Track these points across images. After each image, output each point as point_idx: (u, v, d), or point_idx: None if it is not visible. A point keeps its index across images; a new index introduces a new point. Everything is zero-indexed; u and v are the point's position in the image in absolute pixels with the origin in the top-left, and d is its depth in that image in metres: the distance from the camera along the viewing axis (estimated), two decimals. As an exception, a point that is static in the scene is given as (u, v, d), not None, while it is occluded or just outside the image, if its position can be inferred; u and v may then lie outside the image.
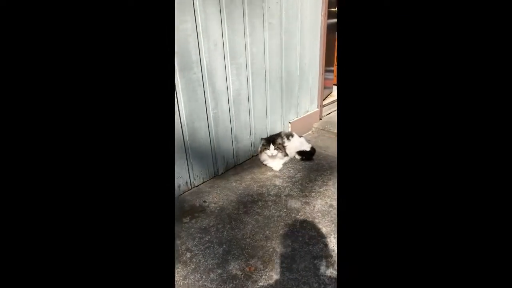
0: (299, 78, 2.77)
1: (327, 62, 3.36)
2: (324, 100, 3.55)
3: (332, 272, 1.37)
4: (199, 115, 1.97)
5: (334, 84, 4.63)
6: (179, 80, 1.78)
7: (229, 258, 1.48)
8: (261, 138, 2.36)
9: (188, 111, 1.88)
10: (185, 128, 1.90)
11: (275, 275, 1.37)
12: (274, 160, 2.33)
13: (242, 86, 2.21)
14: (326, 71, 3.29)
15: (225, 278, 1.36)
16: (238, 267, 1.42)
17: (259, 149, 2.38)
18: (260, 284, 1.33)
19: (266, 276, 1.36)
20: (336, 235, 1.60)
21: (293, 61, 2.64)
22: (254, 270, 1.40)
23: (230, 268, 1.42)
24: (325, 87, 3.55)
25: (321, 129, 3.03)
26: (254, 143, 2.50)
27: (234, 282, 1.34)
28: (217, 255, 1.50)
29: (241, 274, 1.38)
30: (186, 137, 1.93)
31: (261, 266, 1.42)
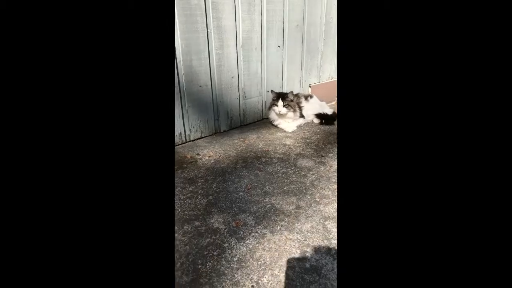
0: (324, 34, 2.38)
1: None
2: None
3: (348, 236, 0.98)
4: (199, 52, 1.65)
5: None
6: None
7: (213, 210, 1.13)
8: (271, 90, 1.99)
9: (184, 44, 1.57)
10: (180, 66, 1.59)
11: (268, 234, 1.00)
12: (285, 120, 1.96)
13: (255, 28, 1.87)
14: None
15: (202, 231, 1.02)
16: (222, 220, 1.08)
17: (269, 105, 2.01)
18: (247, 241, 0.97)
19: (256, 234, 1.00)
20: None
21: (318, 11, 2.26)
22: (242, 225, 1.05)
23: (211, 221, 1.07)
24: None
25: (347, 100, 2.60)
26: (265, 102, 2.15)
27: (213, 237, 0.99)
28: (198, 206, 1.16)
29: (224, 229, 1.03)
30: (182, 78, 1.62)
31: (252, 222, 1.06)
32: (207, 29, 1.64)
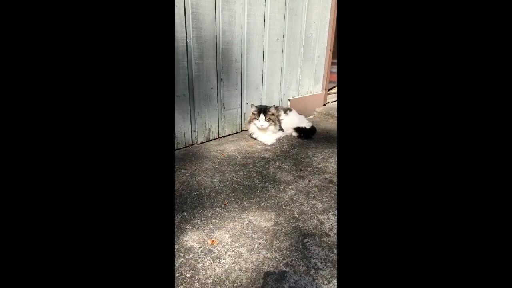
0: (303, 49, 2.42)
1: (336, 53, 3.03)
2: (329, 90, 3.20)
3: (328, 254, 0.95)
4: (177, 62, 1.60)
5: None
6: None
7: (187, 227, 1.07)
8: (252, 104, 1.97)
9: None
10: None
11: (245, 252, 0.95)
12: (265, 133, 1.94)
13: (235, 39, 1.86)
14: (333, 63, 2.96)
15: (175, 250, 0.95)
16: (196, 238, 1.01)
17: (249, 118, 1.99)
18: (222, 261, 0.91)
19: (233, 253, 0.95)
20: (335, 212, 1.19)
21: (298, 26, 2.30)
22: (217, 244, 0.99)
23: (185, 239, 1.01)
24: (331, 81, 3.21)
25: (325, 114, 2.65)
26: (245, 114, 2.12)
27: (186, 257, 0.92)
28: (171, 223, 1.08)
29: (199, 247, 0.97)
30: (158, 86, 1.55)
31: (229, 240, 1.01)
32: (186, 37, 1.60)
